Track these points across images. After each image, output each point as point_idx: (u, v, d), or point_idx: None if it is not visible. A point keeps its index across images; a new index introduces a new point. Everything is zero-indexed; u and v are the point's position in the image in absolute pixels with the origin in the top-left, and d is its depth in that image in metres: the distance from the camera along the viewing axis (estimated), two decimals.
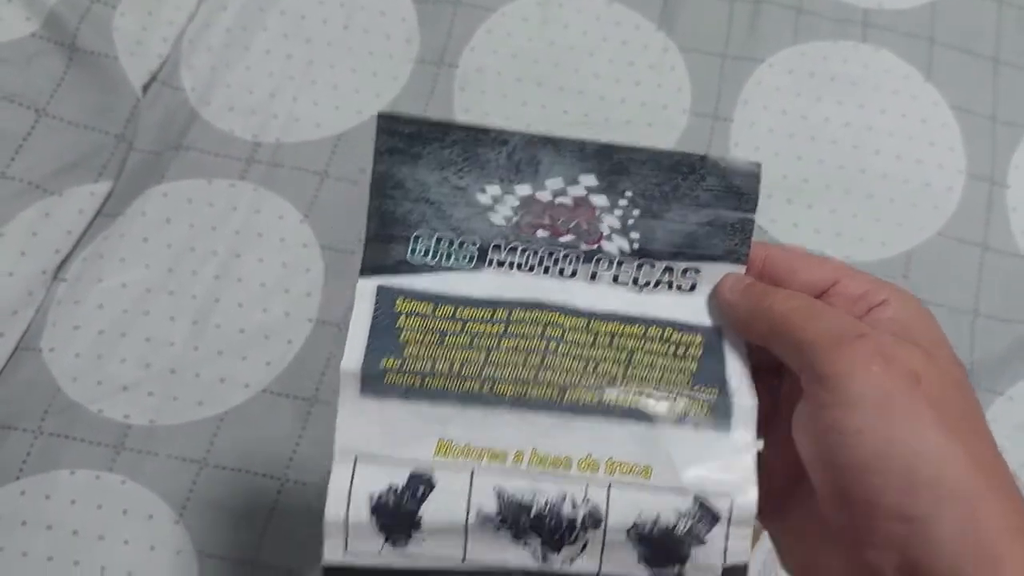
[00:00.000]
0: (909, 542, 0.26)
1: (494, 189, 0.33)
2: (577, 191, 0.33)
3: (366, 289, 0.33)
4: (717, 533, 0.30)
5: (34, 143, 0.59)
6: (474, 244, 0.33)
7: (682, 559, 0.31)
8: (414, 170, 0.33)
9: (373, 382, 0.32)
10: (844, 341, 0.28)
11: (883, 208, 0.65)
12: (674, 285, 0.34)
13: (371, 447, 0.31)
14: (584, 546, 0.31)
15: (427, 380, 0.32)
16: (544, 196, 0.33)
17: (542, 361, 0.32)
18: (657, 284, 0.34)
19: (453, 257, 0.33)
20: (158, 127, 0.63)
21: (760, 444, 0.32)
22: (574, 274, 0.34)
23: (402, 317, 0.32)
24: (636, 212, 0.33)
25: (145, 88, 0.64)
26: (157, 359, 0.57)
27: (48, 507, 0.53)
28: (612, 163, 0.33)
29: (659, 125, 0.66)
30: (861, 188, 0.65)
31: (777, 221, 0.64)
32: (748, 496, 0.30)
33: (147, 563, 0.52)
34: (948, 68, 0.69)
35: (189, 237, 0.60)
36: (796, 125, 0.66)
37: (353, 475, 0.31)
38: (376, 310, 0.33)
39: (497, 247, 0.33)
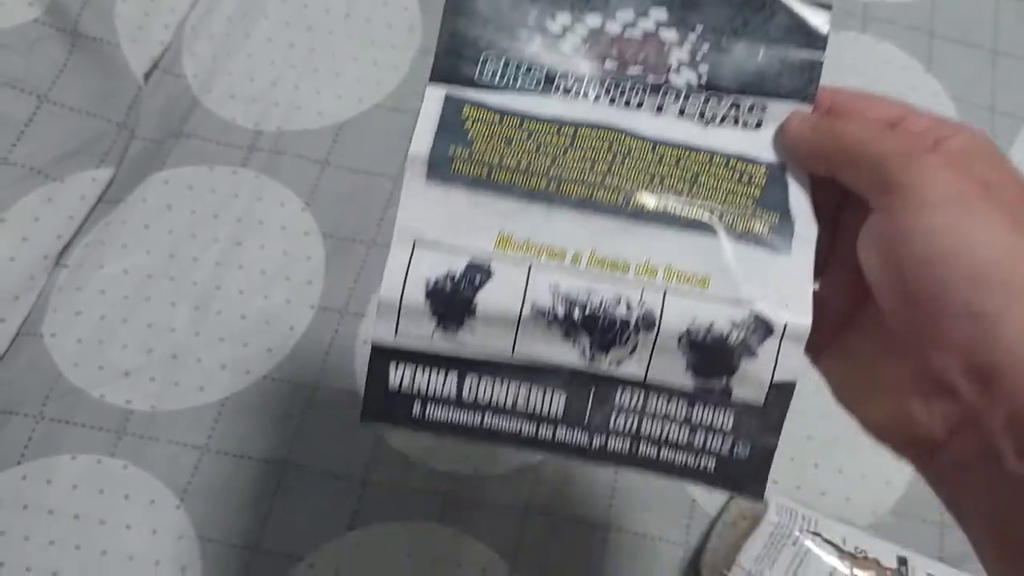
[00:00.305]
0: (977, 342, 0.26)
1: (564, 17, 0.34)
2: (647, 24, 0.34)
3: (434, 95, 0.33)
4: (769, 347, 0.31)
5: (36, 129, 0.59)
6: (542, 70, 0.34)
7: (731, 370, 0.31)
8: None
9: (440, 168, 0.32)
10: (916, 154, 0.28)
11: None
12: (740, 120, 0.34)
13: (432, 233, 0.31)
14: (634, 349, 0.31)
15: (494, 172, 0.32)
16: (613, 28, 0.34)
17: (609, 168, 0.32)
18: (723, 119, 0.34)
19: (521, 80, 0.34)
20: (160, 114, 0.63)
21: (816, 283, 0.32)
22: (640, 105, 0.34)
23: (469, 121, 0.33)
24: (706, 46, 0.34)
25: (147, 75, 0.64)
26: (158, 345, 0.57)
27: (49, 492, 0.52)
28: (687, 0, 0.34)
29: None
30: None
31: None
32: (803, 314, 0.31)
33: (149, 547, 0.52)
34: (948, 60, 0.69)
35: (190, 224, 0.60)
36: None
37: (411, 259, 0.31)
38: (444, 112, 0.33)
39: (564, 75, 0.34)
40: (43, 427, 0.54)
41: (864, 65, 0.68)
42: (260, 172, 0.62)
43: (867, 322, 0.32)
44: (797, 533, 0.50)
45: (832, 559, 0.49)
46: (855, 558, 0.49)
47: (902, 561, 0.50)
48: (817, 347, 0.32)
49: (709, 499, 0.56)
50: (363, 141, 0.63)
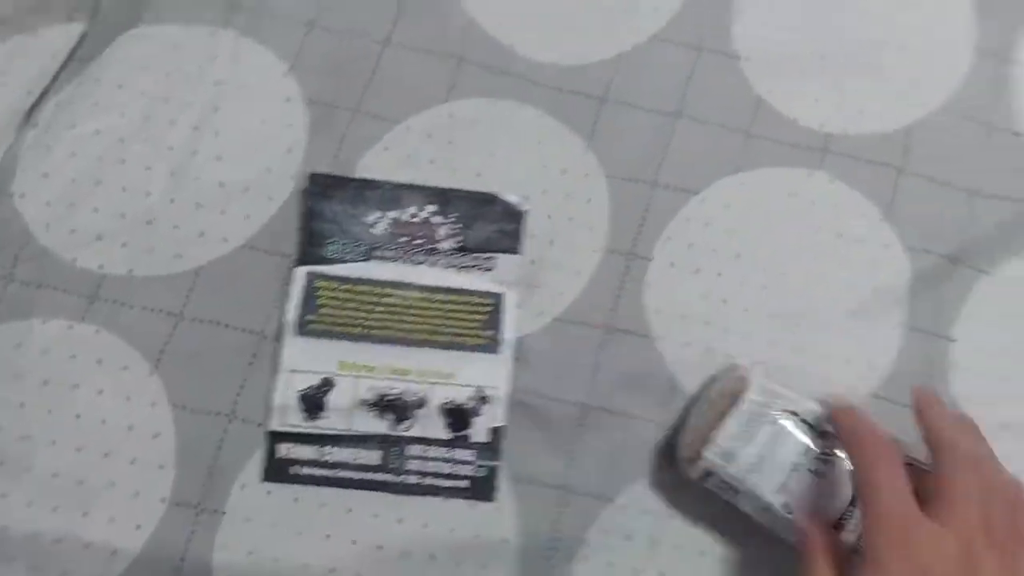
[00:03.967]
0: None
1: (376, 214, 0.53)
2: (424, 214, 0.53)
3: (300, 274, 0.52)
4: (487, 408, 0.51)
5: None
6: (364, 246, 0.52)
7: (469, 424, 0.51)
8: (331, 204, 0.53)
9: (303, 328, 0.51)
10: None
11: (886, 82, 0.59)
12: (481, 268, 0.53)
13: (300, 365, 0.50)
14: (416, 419, 0.50)
15: (334, 326, 0.51)
16: (404, 217, 0.53)
17: (400, 317, 0.52)
18: (471, 267, 0.53)
19: (351, 254, 0.52)
20: None
21: None
22: (421, 263, 0.53)
23: (320, 290, 0.52)
24: (459, 226, 0.53)
25: None
26: (133, 209, 0.53)
27: (18, 356, 0.49)
28: (445, 198, 0.54)
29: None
30: (864, 61, 0.60)
31: (773, 91, 0.59)
32: (501, 388, 0.51)
33: (121, 413, 0.49)
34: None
35: (166, 86, 0.55)
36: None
37: (289, 381, 0.50)
38: (305, 286, 0.52)
39: (377, 248, 0.52)
40: (13, 289, 0.50)
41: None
42: (241, 33, 0.56)
43: None
44: (774, 413, 0.47)
45: (806, 438, 0.46)
46: (829, 436, 0.47)
47: None
48: None
49: (689, 378, 0.53)
50: (351, 2, 0.58)
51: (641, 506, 0.51)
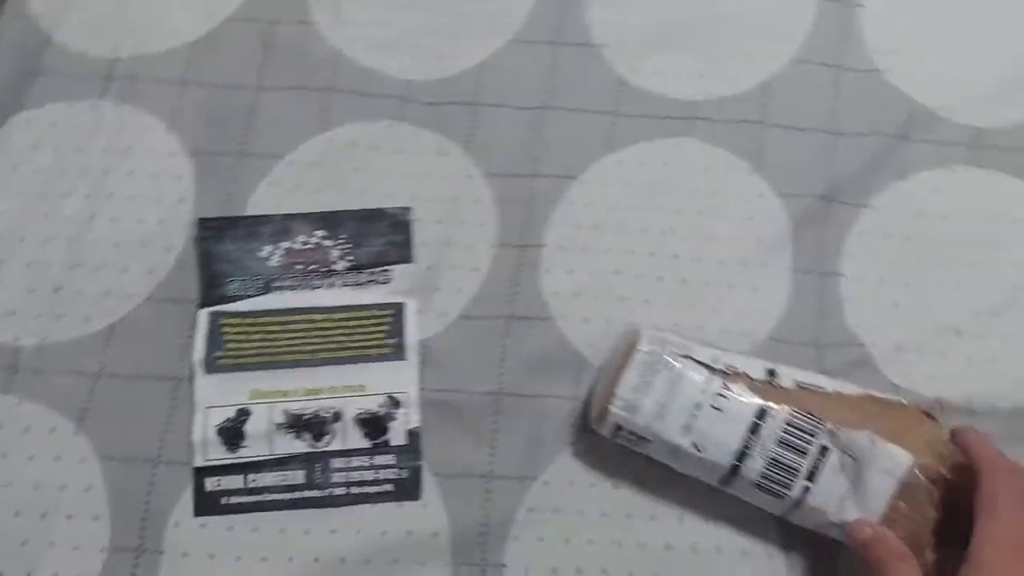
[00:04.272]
0: None
1: (268, 247, 0.56)
2: (315, 240, 0.56)
3: (203, 316, 0.54)
4: (401, 411, 0.53)
5: None
6: (262, 280, 0.55)
7: (386, 430, 0.52)
8: (223, 244, 0.55)
9: (211, 365, 0.53)
10: None
11: (739, 44, 0.62)
12: (378, 282, 0.55)
13: (214, 400, 0.53)
14: (333, 434, 0.52)
15: (241, 359, 0.53)
16: (296, 245, 0.56)
17: (305, 340, 0.54)
18: (368, 283, 0.55)
19: (251, 289, 0.55)
20: (11, 55, 0.60)
21: None
22: (318, 287, 0.55)
23: (224, 327, 0.54)
24: (349, 245, 0.56)
25: None
26: (39, 282, 0.55)
27: None
28: (332, 222, 0.56)
29: None
30: (716, 28, 0.63)
31: (638, 71, 0.62)
32: (411, 391, 0.53)
33: (52, 474, 0.51)
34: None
35: (57, 161, 0.58)
36: None
37: (205, 417, 0.52)
38: (210, 325, 0.54)
39: (274, 279, 0.55)
40: None
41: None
42: (119, 101, 0.59)
43: None
44: (668, 359, 0.49)
45: (702, 378, 0.49)
46: (725, 374, 0.49)
47: (770, 372, 0.50)
48: None
49: (594, 352, 0.55)
50: (219, 56, 0.61)
51: (565, 479, 0.53)
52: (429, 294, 0.56)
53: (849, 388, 0.50)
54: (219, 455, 0.51)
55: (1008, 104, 0.61)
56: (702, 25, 0.63)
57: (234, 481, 0.51)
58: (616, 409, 0.49)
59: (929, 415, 0.50)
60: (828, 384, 0.50)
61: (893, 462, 0.46)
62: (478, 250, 0.57)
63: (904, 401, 0.51)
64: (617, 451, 0.51)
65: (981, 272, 0.57)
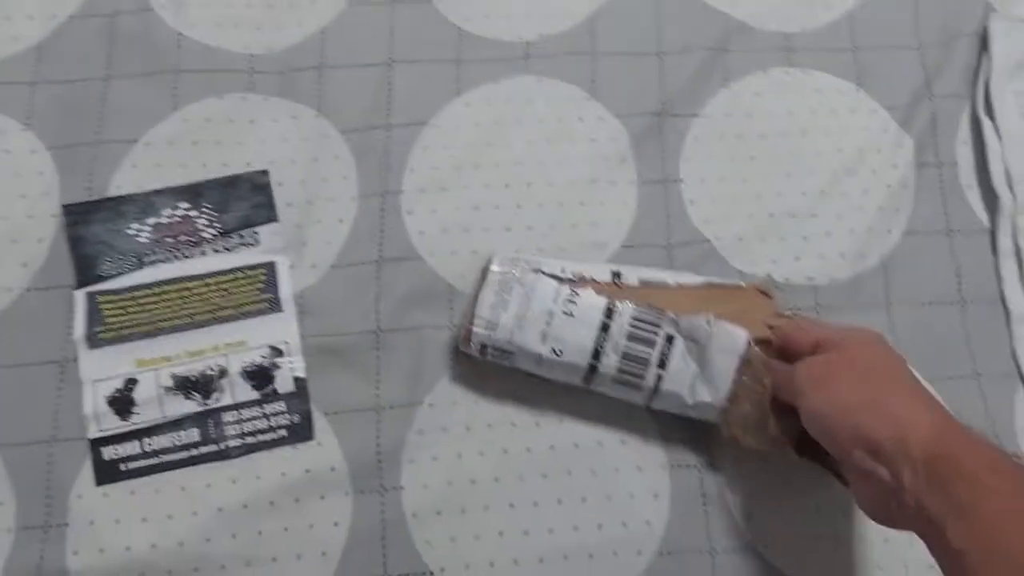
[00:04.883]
0: (858, 441, 0.43)
1: (135, 225, 0.57)
2: (179, 212, 0.58)
3: (80, 296, 0.56)
4: (284, 360, 0.55)
5: None
6: (134, 257, 0.57)
7: (272, 379, 0.55)
8: (91, 227, 0.57)
9: (93, 340, 0.55)
10: (798, 370, 0.48)
11: None
12: (248, 244, 0.57)
13: (100, 374, 0.54)
14: (222, 390, 0.54)
15: (122, 331, 0.55)
16: (163, 220, 0.57)
17: (183, 307, 0.55)
18: (238, 246, 0.57)
19: (124, 267, 0.56)
20: None
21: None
22: (190, 256, 0.57)
23: (103, 303, 0.55)
24: (215, 213, 0.58)
25: None
26: None
27: None
28: (194, 192, 0.58)
29: None
30: None
31: (471, 19, 0.65)
32: (292, 340, 0.55)
33: None
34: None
35: None
36: None
37: (93, 389, 0.54)
38: (88, 304, 0.55)
39: (147, 254, 0.57)
40: None
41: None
42: None
43: None
44: (519, 275, 0.52)
45: (552, 288, 0.52)
46: (573, 282, 0.52)
47: (616, 274, 0.53)
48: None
49: (463, 282, 0.58)
50: (66, 53, 0.62)
51: (449, 400, 0.56)
52: (299, 249, 0.58)
53: (690, 279, 0.54)
54: (112, 425, 0.53)
55: (811, 9, 0.66)
56: None
57: (131, 448, 0.53)
58: (478, 328, 0.52)
59: (764, 292, 0.54)
60: (671, 278, 0.54)
61: (732, 340, 0.51)
62: (341, 203, 0.59)
63: (742, 284, 0.55)
64: (495, 369, 0.54)
65: (806, 159, 0.62)
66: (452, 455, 0.55)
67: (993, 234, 0.61)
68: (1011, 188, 0.61)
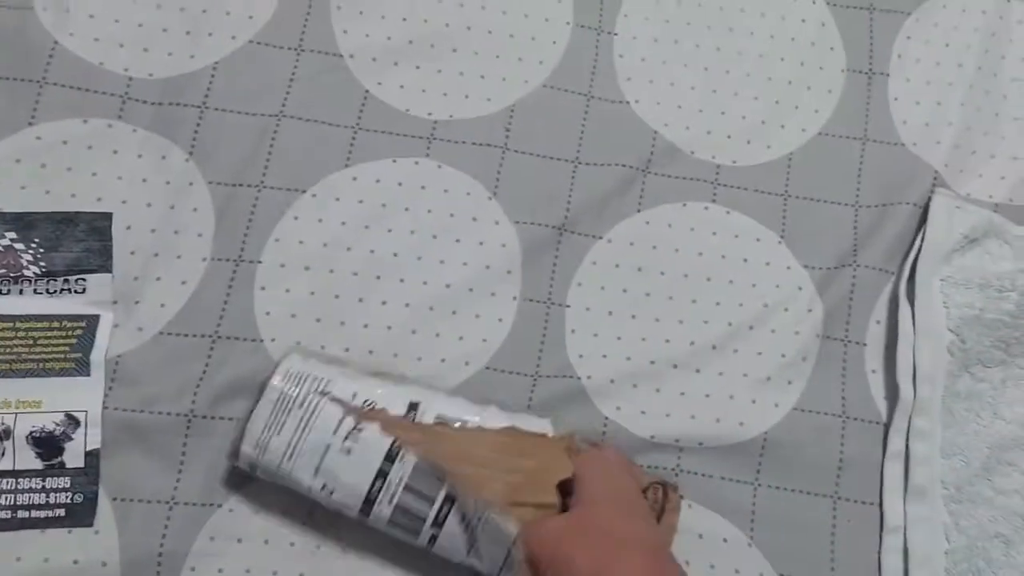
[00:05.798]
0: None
1: None
2: (5, 242, 0.51)
3: None
4: (79, 432, 0.49)
5: None
6: None
7: (62, 451, 0.48)
8: None
9: None
10: None
11: (490, 65, 0.60)
12: (72, 291, 0.51)
13: None
14: (2, 452, 0.48)
15: None
16: None
17: None
18: (61, 291, 0.51)
19: None
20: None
21: None
22: (9, 292, 0.51)
23: None
24: (42, 250, 0.51)
25: None
26: None
27: None
28: (25, 223, 0.52)
29: None
30: (468, 47, 0.60)
31: (383, 84, 0.59)
32: (93, 409, 0.49)
33: None
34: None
35: None
36: None
37: None
38: None
39: None
40: None
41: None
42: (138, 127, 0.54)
43: None
44: (303, 396, 0.47)
45: (336, 417, 0.47)
46: (361, 411, 0.47)
47: (412, 406, 0.48)
48: None
49: None
50: (242, 82, 0.56)
51: (254, 506, 0.50)
52: (129, 307, 0.52)
53: (495, 419, 0.49)
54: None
55: (749, 145, 0.61)
56: (453, 43, 0.60)
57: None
58: (246, 448, 0.47)
59: (570, 450, 0.49)
60: (475, 414, 0.49)
61: (502, 534, 0.46)
62: (189, 262, 0.54)
63: (549, 434, 0.50)
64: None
65: (705, 307, 0.57)
66: (241, 569, 0.49)
67: (887, 429, 0.56)
68: (915, 385, 0.56)
